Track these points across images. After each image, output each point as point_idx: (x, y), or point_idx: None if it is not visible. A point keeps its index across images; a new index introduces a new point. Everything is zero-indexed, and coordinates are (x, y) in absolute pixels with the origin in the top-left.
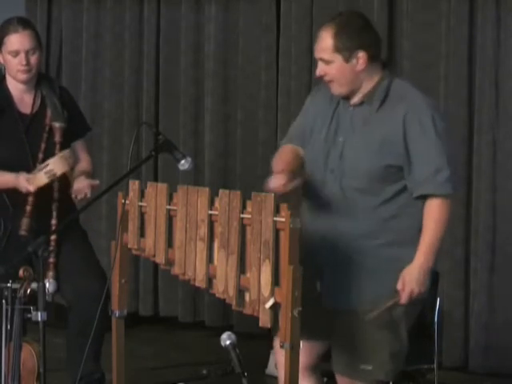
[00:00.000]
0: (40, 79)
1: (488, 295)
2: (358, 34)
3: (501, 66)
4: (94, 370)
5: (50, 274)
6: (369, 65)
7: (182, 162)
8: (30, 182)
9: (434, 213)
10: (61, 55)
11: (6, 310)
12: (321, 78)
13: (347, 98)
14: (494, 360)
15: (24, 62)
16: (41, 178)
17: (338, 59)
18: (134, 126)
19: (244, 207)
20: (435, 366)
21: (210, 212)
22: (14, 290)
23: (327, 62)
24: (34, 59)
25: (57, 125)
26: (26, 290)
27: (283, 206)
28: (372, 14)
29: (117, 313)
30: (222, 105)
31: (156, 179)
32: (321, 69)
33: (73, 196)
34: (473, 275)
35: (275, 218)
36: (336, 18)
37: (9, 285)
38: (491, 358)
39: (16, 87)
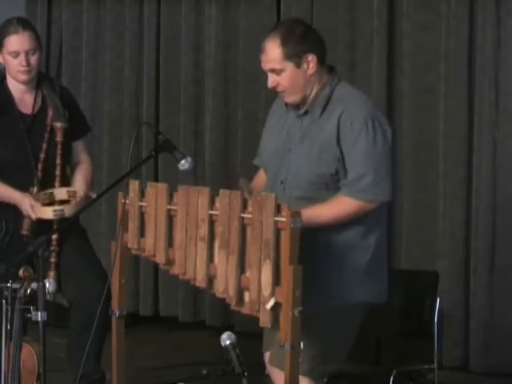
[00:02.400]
0: (40, 79)
1: (488, 295)
2: (303, 39)
3: (501, 66)
4: (95, 370)
5: (52, 273)
6: (318, 68)
7: (182, 161)
8: (33, 210)
9: (342, 205)
10: (61, 55)
11: (6, 309)
12: (273, 89)
13: (297, 107)
14: (494, 360)
15: (24, 63)
16: (47, 213)
17: (289, 66)
18: (133, 125)
19: (245, 207)
20: (435, 365)
21: (211, 212)
22: (14, 290)
23: (279, 72)
24: (34, 60)
25: (58, 125)
26: (26, 290)
27: (284, 206)
28: (372, 14)
29: (117, 313)
30: (223, 105)
31: (156, 179)
32: (273, 80)
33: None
34: (473, 275)
35: (276, 218)
36: (277, 27)
37: (9, 285)
38: (491, 357)
39: (16, 87)
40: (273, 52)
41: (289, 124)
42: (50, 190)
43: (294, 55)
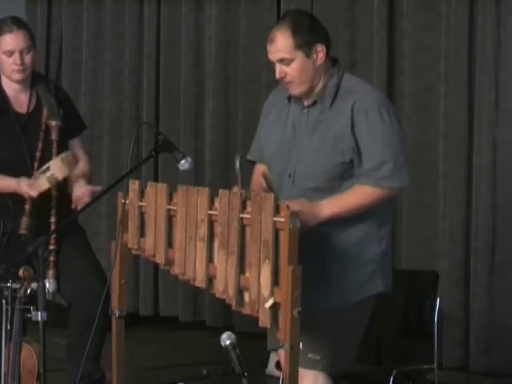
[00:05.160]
0: (35, 78)
1: (488, 295)
2: (312, 29)
3: (501, 66)
4: (95, 371)
5: (51, 272)
6: (326, 59)
7: (182, 161)
8: (31, 188)
9: (364, 193)
10: (61, 55)
11: (6, 309)
12: (281, 79)
13: (300, 99)
14: (493, 360)
15: (19, 62)
16: (42, 183)
17: (299, 56)
18: (134, 125)
19: (244, 207)
20: (435, 365)
21: (210, 212)
22: (14, 290)
23: (288, 62)
24: (28, 58)
25: (53, 123)
26: (26, 290)
27: (283, 207)
28: (372, 13)
29: (117, 313)
30: (223, 105)
31: (156, 179)
32: (281, 70)
33: (73, 206)
34: (473, 275)
35: (275, 218)
36: (285, 18)
37: (9, 285)
38: (491, 357)
39: (11, 87)
40: (282, 42)
41: (293, 117)
42: (46, 166)
43: (304, 45)
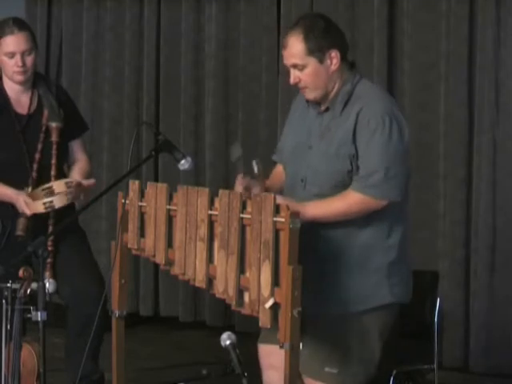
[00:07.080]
0: (36, 79)
1: (488, 295)
2: (326, 34)
3: (501, 66)
4: (94, 371)
5: (47, 273)
6: (341, 64)
7: (182, 161)
8: (28, 206)
9: (349, 199)
10: (61, 55)
11: (6, 310)
12: (295, 85)
13: (318, 103)
14: (494, 360)
15: (20, 64)
16: (39, 207)
17: (312, 62)
18: (134, 126)
19: (244, 207)
20: (435, 365)
21: (210, 212)
22: (14, 290)
23: (301, 68)
24: (29, 60)
25: (53, 125)
26: (25, 290)
27: (283, 207)
28: (372, 14)
29: (117, 313)
30: (223, 105)
31: (156, 179)
32: (295, 76)
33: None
34: (473, 275)
35: (275, 219)
36: (299, 22)
37: (9, 285)
38: (491, 357)
39: (12, 88)
40: (295, 47)
41: (309, 121)
42: (49, 184)
43: (316, 50)
